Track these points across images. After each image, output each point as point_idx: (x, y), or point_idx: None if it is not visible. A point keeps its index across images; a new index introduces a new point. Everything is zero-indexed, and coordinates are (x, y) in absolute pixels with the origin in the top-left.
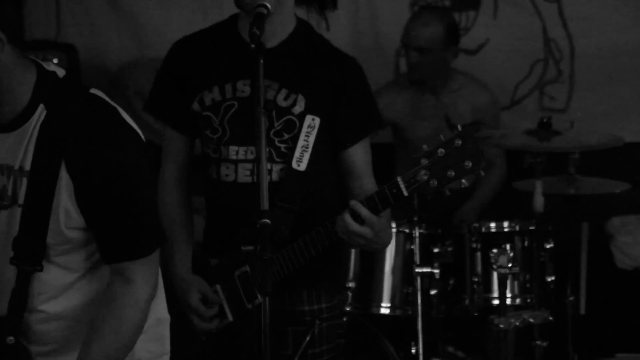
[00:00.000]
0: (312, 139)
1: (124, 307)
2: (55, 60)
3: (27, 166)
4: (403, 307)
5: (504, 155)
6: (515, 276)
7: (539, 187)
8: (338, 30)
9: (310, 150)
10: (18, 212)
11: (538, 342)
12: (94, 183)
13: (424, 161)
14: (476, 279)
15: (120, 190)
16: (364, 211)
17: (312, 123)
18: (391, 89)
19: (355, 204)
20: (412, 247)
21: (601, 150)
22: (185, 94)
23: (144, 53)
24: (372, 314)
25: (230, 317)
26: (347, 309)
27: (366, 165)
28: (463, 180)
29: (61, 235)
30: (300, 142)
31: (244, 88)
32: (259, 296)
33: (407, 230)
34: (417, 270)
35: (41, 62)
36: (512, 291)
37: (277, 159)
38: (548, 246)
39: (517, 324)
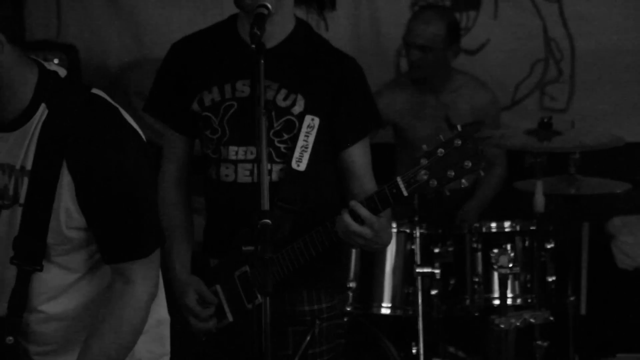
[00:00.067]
0: (311, 139)
1: (125, 307)
2: (55, 61)
3: (29, 166)
4: (404, 307)
5: (504, 155)
6: (515, 276)
7: (539, 187)
8: (338, 30)
9: (309, 150)
10: (19, 211)
11: (539, 342)
12: (94, 183)
13: (424, 161)
14: (477, 279)
15: (121, 190)
16: (363, 211)
17: (311, 123)
18: (392, 89)
19: (354, 204)
20: (413, 247)
21: (602, 150)
22: (184, 95)
23: (145, 53)
24: (372, 314)
25: (230, 318)
26: (348, 309)
27: (366, 165)
28: (463, 180)
29: (61, 235)
30: (300, 142)
31: (243, 88)
32: (259, 296)
33: (407, 230)
34: (418, 270)
35: (42, 62)
36: (512, 291)
37: (277, 159)
38: (549, 246)
39: (518, 324)
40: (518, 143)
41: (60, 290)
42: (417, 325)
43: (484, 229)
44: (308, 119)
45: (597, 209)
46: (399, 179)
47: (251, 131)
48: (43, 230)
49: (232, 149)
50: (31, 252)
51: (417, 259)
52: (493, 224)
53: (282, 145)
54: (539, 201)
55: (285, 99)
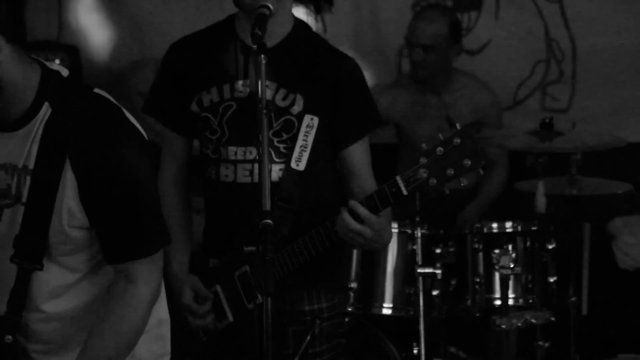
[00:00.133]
0: (311, 138)
1: (126, 306)
2: (57, 61)
3: (31, 165)
4: (405, 307)
5: (505, 155)
6: (517, 277)
7: (541, 188)
8: (340, 31)
9: (309, 150)
10: (21, 210)
11: (540, 343)
12: (98, 181)
13: (423, 160)
14: (478, 280)
15: (124, 189)
16: (363, 211)
17: (310, 123)
18: (393, 89)
19: (354, 204)
20: (414, 247)
21: (603, 150)
22: (183, 95)
23: (146, 53)
24: (374, 315)
25: (230, 318)
26: (349, 309)
27: (365, 164)
28: (462, 179)
29: (63, 234)
30: (299, 142)
31: (242, 88)
32: (259, 296)
33: (409, 231)
34: (419, 270)
35: (44, 62)
36: (514, 292)
37: (276, 159)
38: (550, 247)
39: (519, 324)
40: (519, 143)
41: (60, 290)
42: (418, 326)
43: (485, 230)
44: (307, 118)
45: (598, 209)
46: (398, 178)
47: (250, 131)
48: (44, 229)
49: (232, 149)
50: (31, 250)
51: (419, 259)
52: (494, 225)
53: (281, 145)
54: (540, 202)
55: (284, 98)
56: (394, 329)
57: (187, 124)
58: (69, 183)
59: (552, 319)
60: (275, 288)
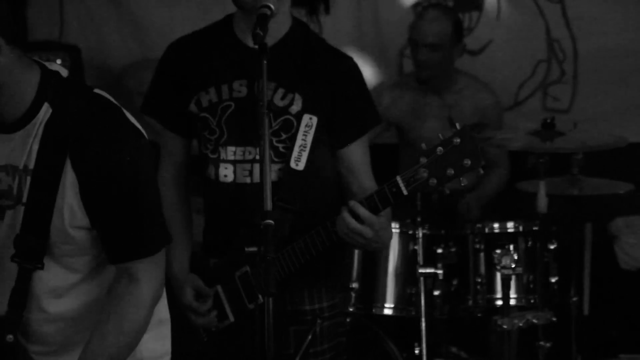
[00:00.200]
0: (310, 138)
1: (128, 305)
2: (58, 61)
3: (32, 165)
4: (406, 307)
5: (506, 155)
6: (518, 277)
7: (542, 188)
8: (341, 31)
9: (308, 149)
10: (21, 211)
11: (541, 343)
12: (99, 181)
13: (423, 160)
14: (479, 280)
15: (125, 189)
16: (363, 211)
17: (309, 122)
18: (395, 89)
19: (354, 204)
20: (416, 247)
21: (605, 150)
22: (181, 96)
23: (147, 54)
24: (375, 315)
25: (231, 318)
26: (351, 309)
27: (365, 163)
28: (462, 179)
29: (65, 234)
30: (298, 142)
31: (240, 88)
32: (260, 296)
33: (410, 231)
34: (421, 271)
35: (44, 63)
36: (515, 292)
37: (276, 159)
38: (551, 247)
39: (521, 324)
40: (520, 144)
41: (62, 291)
42: (419, 326)
43: (486, 230)
44: (306, 118)
45: (599, 209)
46: (398, 178)
47: (249, 131)
48: (44, 229)
49: (231, 149)
50: (32, 249)
51: (420, 259)
52: (496, 225)
53: (280, 145)
54: (542, 202)
55: (282, 98)
56: (395, 329)
57: (185, 124)
58: (69, 183)
59: (554, 319)
60: (276, 288)
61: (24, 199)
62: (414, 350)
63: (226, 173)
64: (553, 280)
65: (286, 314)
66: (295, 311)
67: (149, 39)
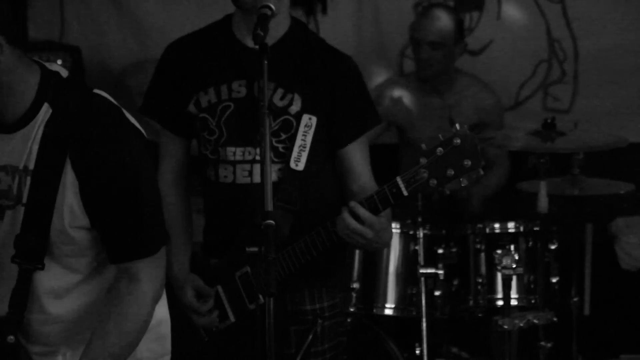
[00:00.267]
0: (309, 138)
1: (130, 304)
2: (59, 62)
3: (31, 165)
4: (407, 308)
5: (506, 156)
6: (519, 277)
7: (543, 188)
8: (341, 31)
9: (307, 149)
10: (21, 211)
11: (542, 343)
12: (99, 181)
13: (423, 160)
14: (480, 280)
15: (125, 189)
16: (363, 212)
17: (309, 122)
18: (396, 90)
19: (354, 205)
20: (416, 248)
21: (605, 151)
22: (180, 96)
23: (148, 54)
24: (376, 315)
25: (232, 318)
26: (352, 309)
27: (364, 163)
28: (463, 180)
29: (65, 234)
30: (298, 142)
31: (239, 89)
32: (260, 297)
33: (411, 231)
34: (422, 271)
35: (44, 63)
36: (516, 292)
37: (275, 159)
38: (552, 247)
39: (522, 324)
40: (521, 144)
41: (62, 291)
42: (420, 326)
43: (487, 230)
44: (305, 118)
45: (600, 209)
46: (398, 179)
47: (249, 132)
48: (45, 229)
49: (230, 150)
50: (32, 250)
51: (421, 259)
52: (496, 225)
53: (280, 145)
54: (543, 202)
55: (282, 98)
56: (396, 329)
57: (184, 124)
58: (69, 183)
59: (555, 319)
60: (276, 288)
61: (24, 199)
62: (414, 350)
63: (226, 174)
64: (554, 280)
65: (287, 314)
66: (296, 311)
67: (149, 39)
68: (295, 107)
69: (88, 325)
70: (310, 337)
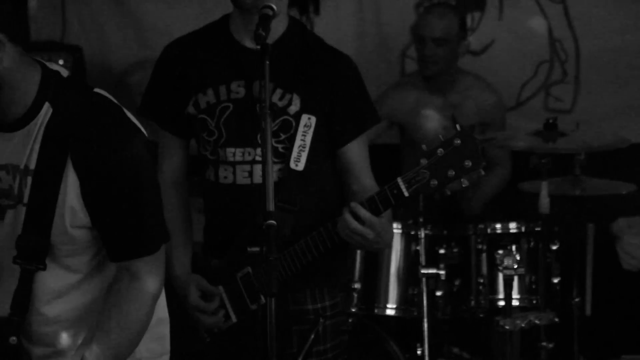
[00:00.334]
0: (309, 138)
1: (131, 303)
2: (60, 62)
3: (32, 165)
4: (409, 308)
5: (508, 156)
6: (520, 277)
7: (544, 189)
8: (342, 31)
9: (307, 149)
10: (23, 211)
11: (544, 344)
12: (100, 180)
13: (424, 161)
14: (482, 280)
15: (126, 188)
16: (364, 213)
17: (308, 122)
18: (398, 90)
19: (355, 206)
20: (418, 248)
21: (607, 151)
22: (179, 97)
23: (148, 54)
24: (377, 315)
25: (234, 318)
26: (353, 310)
27: (364, 162)
28: (464, 180)
29: (66, 234)
30: (297, 142)
31: (238, 89)
32: (262, 297)
33: (412, 232)
34: (423, 271)
35: (45, 62)
36: (517, 292)
37: (275, 160)
38: (554, 247)
39: (523, 325)
40: (523, 144)
41: (62, 291)
42: (422, 327)
43: (489, 230)
44: (305, 118)
45: (602, 210)
46: (399, 180)
47: (248, 132)
48: (46, 229)
49: (230, 150)
50: (34, 250)
51: (422, 260)
52: (498, 225)
53: (279, 145)
54: (544, 202)
55: (281, 98)
56: (398, 329)
57: (183, 125)
58: (71, 183)
59: (556, 319)
60: (278, 289)
61: (25, 199)
62: (416, 350)
63: (226, 174)
64: (555, 280)
65: (289, 314)
66: (297, 311)
67: (150, 39)
68: (294, 107)
69: (89, 324)
70: (312, 336)
